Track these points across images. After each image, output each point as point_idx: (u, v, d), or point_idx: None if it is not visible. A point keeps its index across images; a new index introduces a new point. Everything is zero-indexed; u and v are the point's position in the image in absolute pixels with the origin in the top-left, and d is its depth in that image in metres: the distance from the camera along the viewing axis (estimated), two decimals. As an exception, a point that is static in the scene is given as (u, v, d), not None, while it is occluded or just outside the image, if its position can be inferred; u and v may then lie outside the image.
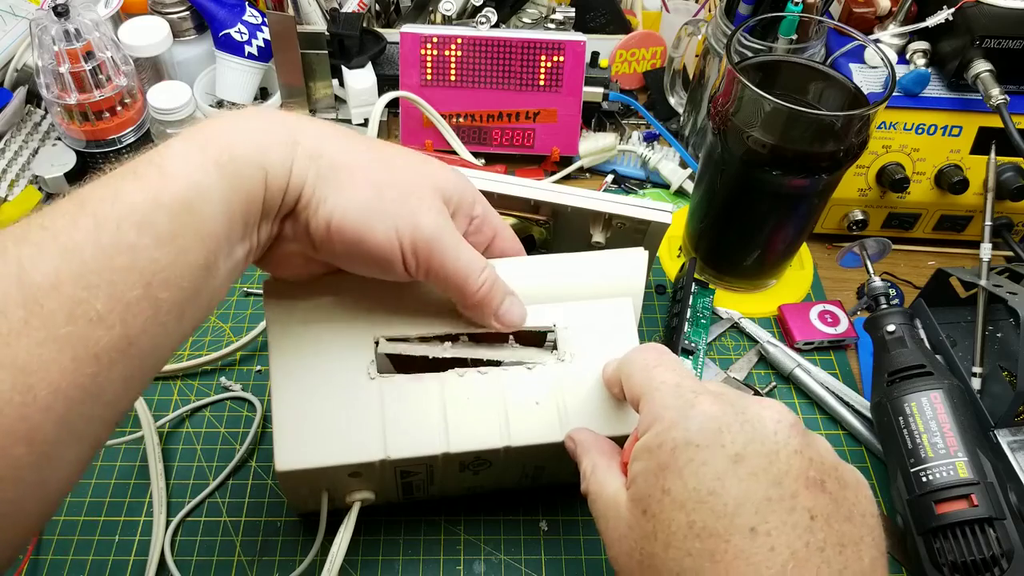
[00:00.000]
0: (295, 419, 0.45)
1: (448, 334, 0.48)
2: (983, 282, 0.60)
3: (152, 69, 0.76)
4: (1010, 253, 0.67)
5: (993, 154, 0.66)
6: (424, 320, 0.49)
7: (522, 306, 0.47)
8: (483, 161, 0.77)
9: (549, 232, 0.61)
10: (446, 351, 0.48)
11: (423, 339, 0.48)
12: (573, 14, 0.79)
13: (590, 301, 0.50)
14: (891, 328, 0.57)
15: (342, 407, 0.45)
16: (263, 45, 0.76)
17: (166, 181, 0.34)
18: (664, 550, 0.33)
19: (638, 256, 0.52)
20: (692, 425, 0.35)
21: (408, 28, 0.72)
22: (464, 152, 0.76)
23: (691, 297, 0.64)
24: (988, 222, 0.64)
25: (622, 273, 0.51)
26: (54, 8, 0.65)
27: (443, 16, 0.78)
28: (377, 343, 0.47)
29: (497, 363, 0.48)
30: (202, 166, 0.35)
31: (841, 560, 0.32)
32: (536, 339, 0.50)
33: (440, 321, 0.48)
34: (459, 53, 0.72)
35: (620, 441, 0.48)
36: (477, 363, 0.48)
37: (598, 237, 0.58)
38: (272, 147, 0.38)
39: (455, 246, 0.42)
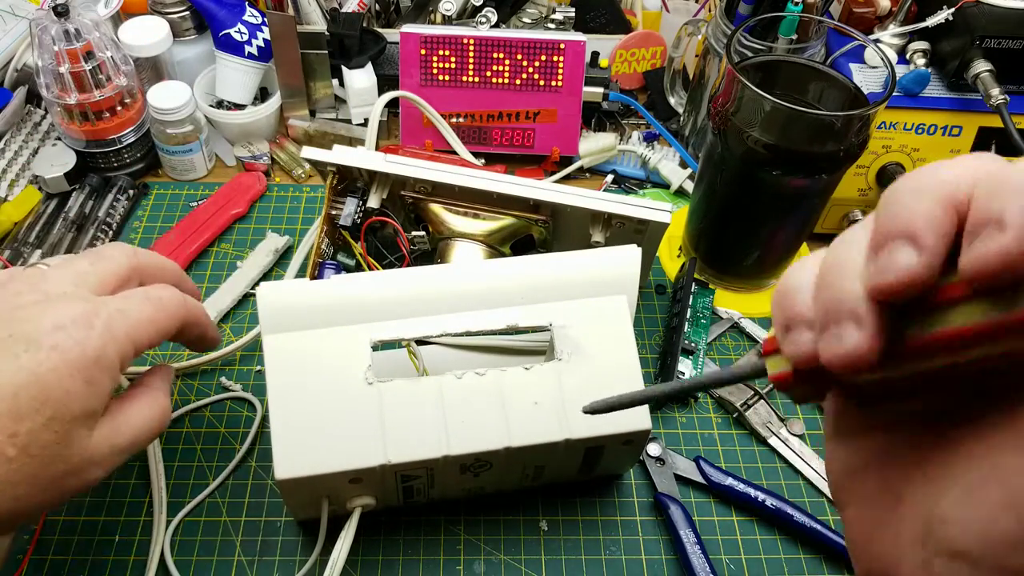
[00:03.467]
0: (294, 426, 0.45)
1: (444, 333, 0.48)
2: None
3: (152, 69, 0.76)
4: (1010, 253, 0.67)
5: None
6: (421, 322, 0.49)
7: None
8: (483, 161, 0.77)
9: (549, 232, 0.61)
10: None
11: (420, 341, 0.48)
12: (573, 14, 0.79)
13: (585, 299, 0.50)
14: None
15: (340, 413, 0.45)
16: (263, 45, 0.76)
17: None
18: None
19: (631, 253, 0.52)
20: None
21: (408, 28, 0.72)
22: (464, 152, 0.76)
23: (691, 297, 0.64)
24: (988, 222, 0.64)
25: (616, 270, 0.51)
26: (54, 8, 0.65)
27: (443, 16, 0.78)
28: (375, 347, 0.47)
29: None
30: None
31: None
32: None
33: (438, 322, 0.49)
34: (459, 53, 0.72)
35: (619, 440, 0.48)
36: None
37: (597, 237, 0.58)
38: None
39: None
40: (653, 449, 0.57)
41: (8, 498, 0.36)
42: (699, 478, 0.56)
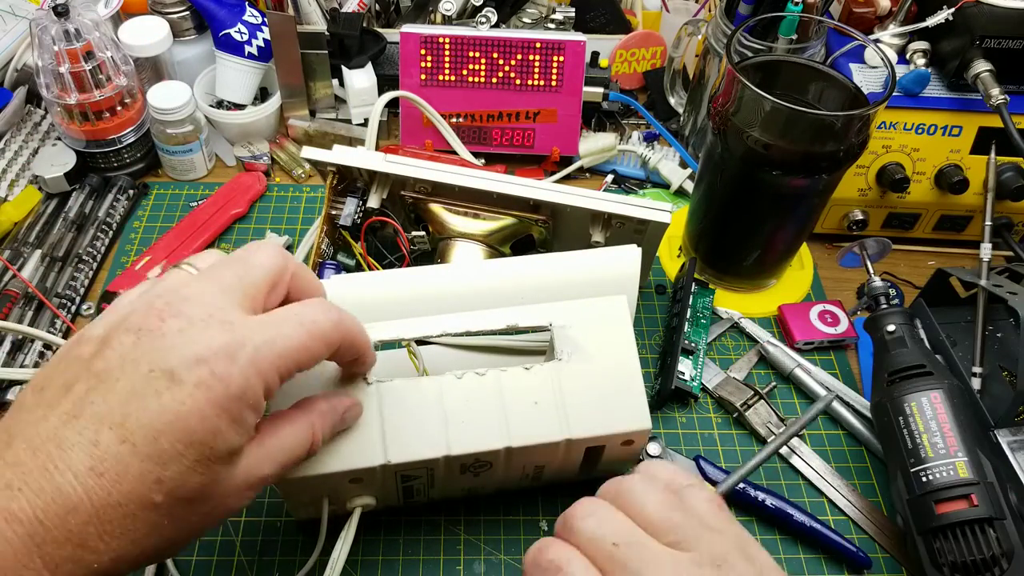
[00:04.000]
0: None
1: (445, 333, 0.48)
2: (983, 282, 0.60)
3: (152, 69, 0.76)
4: (1010, 253, 0.67)
5: (993, 154, 0.66)
6: (421, 322, 0.49)
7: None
8: (483, 161, 0.77)
9: (549, 232, 0.61)
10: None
11: (420, 341, 0.48)
12: (573, 14, 0.79)
13: (585, 299, 0.50)
14: (891, 328, 0.57)
15: None
16: (263, 45, 0.76)
17: None
18: None
19: (631, 253, 0.52)
20: None
21: (408, 28, 0.72)
22: (464, 152, 0.76)
23: (691, 297, 0.64)
24: (988, 222, 0.64)
25: (616, 270, 0.51)
26: (54, 8, 0.65)
27: (443, 16, 0.78)
28: (375, 347, 0.47)
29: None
30: None
31: None
32: None
33: (438, 322, 0.49)
34: (459, 53, 0.72)
35: (619, 439, 0.48)
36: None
37: (597, 237, 0.58)
38: None
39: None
40: (653, 448, 0.57)
41: (153, 542, 0.34)
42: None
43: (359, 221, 0.60)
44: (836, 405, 0.60)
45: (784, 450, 0.58)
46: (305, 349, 0.37)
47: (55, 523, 0.31)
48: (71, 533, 0.31)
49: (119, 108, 0.71)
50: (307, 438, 0.40)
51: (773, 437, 0.57)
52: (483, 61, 0.72)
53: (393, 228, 0.61)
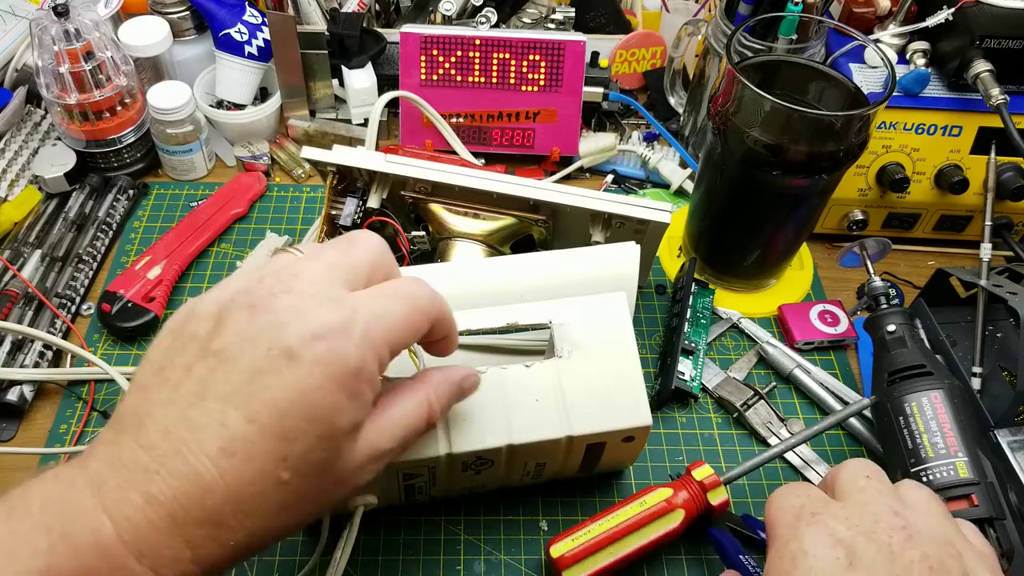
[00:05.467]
0: None
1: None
2: (983, 282, 0.60)
3: (152, 69, 0.76)
4: (1010, 253, 0.67)
5: (993, 154, 0.66)
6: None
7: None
8: (483, 161, 0.77)
9: (549, 232, 0.61)
10: None
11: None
12: (573, 14, 0.79)
13: (584, 296, 0.50)
14: (891, 328, 0.57)
15: None
16: (263, 45, 0.76)
17: None
18: None
19: (630, 250, 0.52)
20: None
21: (408, 28, 0.72)
22: (464, 152, 0.76)
23: (691, 297, 0.64)
24: (988, 222, 0.64)
25: (615, 268, 0.51)
26: (54, 8, 0.65)
27: (443, 16, 0.78)
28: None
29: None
30: None
31: None
32: None
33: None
34: (459, 53, 0.72)
35: (619, 436, 0.48)
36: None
37: (598, 237, 0.58)
38: None
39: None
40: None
41: (283, 519, 0.34)
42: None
43: (359, 221, 0.60)
44: (836, 405, 0.60)
45: (784, 450, 0.59)
46: (411, 323, 0.37)
47: (193, 504, 0.32)
48: (208, 513, 0.32)
49: (119, 108, 0.71)
50: (424, 410, 0.40)
51: (788, 437, 0.56)
52: (483, 61, 0.72)
53: (393, 228, 0.61)
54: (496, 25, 0.73)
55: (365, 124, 0.76)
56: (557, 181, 0.76)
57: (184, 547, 0.32)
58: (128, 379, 0.58)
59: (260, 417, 0.32)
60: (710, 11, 0.81)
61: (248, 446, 0.32)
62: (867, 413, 0.59)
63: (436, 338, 0.41)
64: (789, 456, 0.58)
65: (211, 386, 0.33)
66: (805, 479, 0.57)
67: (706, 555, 0.53)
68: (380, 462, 0.37)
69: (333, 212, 0.61)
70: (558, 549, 0.48)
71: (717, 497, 0.51)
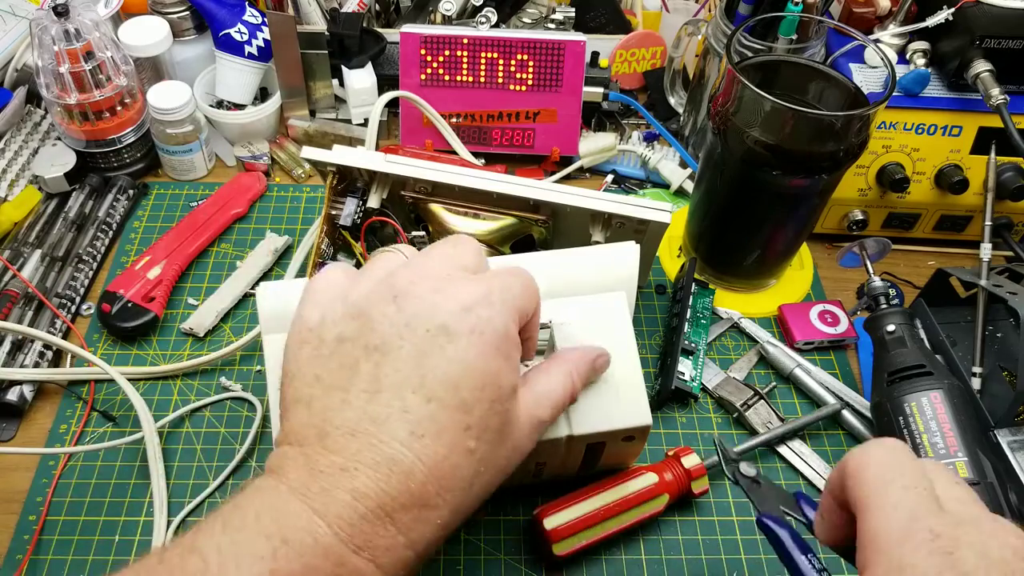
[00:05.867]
0: None
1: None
2: (983, 282, 0.60)
3: (152, 69, 0.76)
4: (1010, 253, 0.67)
5: (993, 154, 0.66)
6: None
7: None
8: (483, 161, 0.77)
9: (549, 232, 0.61)
10: None
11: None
12: (573, 14, 0.79)
13: (584, 296, 0.50)
14: (891, 328, 0.57)
15: None
16: (263, 45, 0.76)
17: None
18: None
19: (629, 249, 0.52)
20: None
21: (408, 28, 0.72)
22: (464, 152, 0.76)
23: (691, 297, 0.64)
24: (988, 222, 0.64)
25: (615, 267, 0.51)
26: (54, 8, 0.65)
27: (443, 16, 0.78)
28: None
29: None
30: None
31: None
32: None
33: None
34: (459, 53, 0.72)
35: (619, 435, 0.48)
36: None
37: (598, 237, 0.58)
38: None
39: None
40: (747, 469, 0.47)
41: (476, 489, 0.36)
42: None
43: (359, 221, 0.60)
44: (836, 405, 0.60)
45: (784, 450, 0.58)
46: (529, 297, 0.39)
47: (399, 490, 0.33)
48: (413, 496, 0.33)
49: (119, 108, 0.71)
50: (569, 383, 0.42)
51: (777, 425, 0.57)
52: (483, 61, 0.72)
53: (393, 228, 0.61)
54: (496, 25, 0.73)
55: (365, 124, 0.76)
56: (557, 181, 0.76)
57: (397, 533, 0.33)
58: (129, 380, 0.58)
59: (437, 394, 0.34)
60: (710, 11, 0.81)
61: (434, 424, 0.34)
62: (867, 413, 0.59)
63: (529, 334, 0.42)
64: (794, 461, 0.58)
65: (382, 379, 0.35)
66: (800, 474, 0.57)
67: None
68: (538, 431, 0.40)
69: (333, 212, 0.61)
70: (552, 522, 0.50)
71: (699, 486, 0.54)
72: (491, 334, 0.36)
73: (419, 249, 0.61)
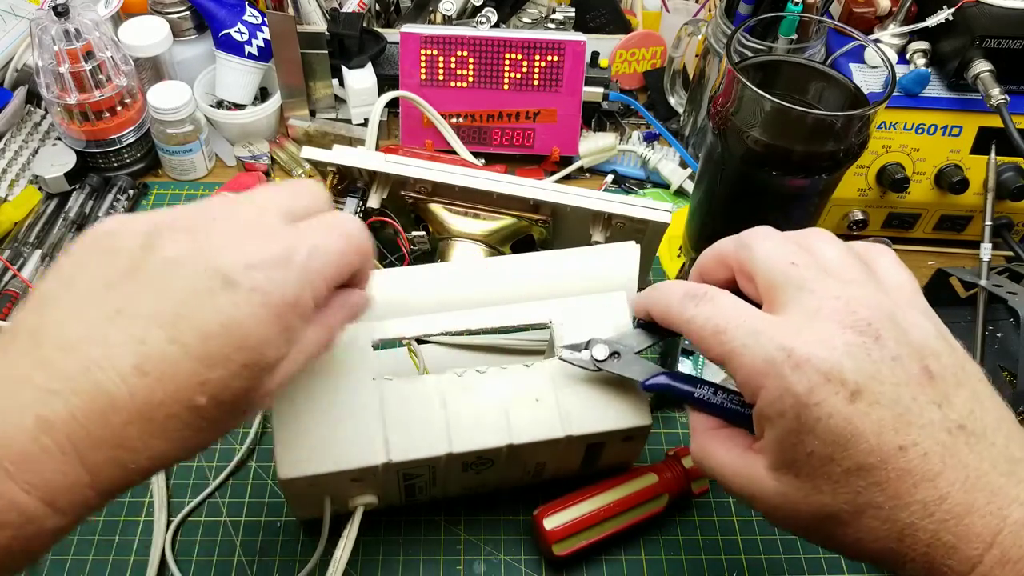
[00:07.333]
0: (295, 426, 0.45)
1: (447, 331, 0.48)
2: (983, 282, 0.60)
3: (152, 69, 0.76)
4: (1010, 253, 0.67)
5: (993, 154, 0.66)
6: (421, 321, 0.49)
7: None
8: (483, 161, 0.77)
9: (549, 232, 0.61)
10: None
11: (421, 340, 0.48)
12: (573, 14, 0.79)
13: (584, 296, 0.50)
14: (891, 328, 0.57)
15: (342, 412, 0.45)
16: (263, 45, 0.76)
17: None
18: (832, 497, 0.34)
19: (630, 249, 0.52)
20: (800, 388, 0.34)
21: (408, 28, 0.72)
22: (464, 152, 0.76)
23: (691, 297, 0.64)
24: (988, 222, 0.64)
25: (615, 267, 0.51)
26: (54, 8, 0.65)
27: (443, 16, 0.78)
28: (375, 346, 0.47)
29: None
30: None
31: (981, 426, 0.33)
32: None
33: (438, 321, 0.49)
34: (459, 53, 0.72)
35: (619, 435, 0.48)
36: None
37: (598, 237, 0.58)
38: None
39: None
40: (599, 351, 0.45)
41: (187, 444, 0.33)
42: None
43: (359, 221, 0.60)
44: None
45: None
46: (346, 257, 0.36)
47: (95, 424, 0.30)
48: (111, 434, 0.30)
49: (119, 108, 0.71)
50: (330, 330, 0.38)
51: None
52: (483, 61, 0.72)
53: (393, 228, 0.61)
54: (496, 25, 0.73)
55: (365, 124, 0.76)
56: (557, 181, 0.76)
57: (83, 472, 0.30)
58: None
59: (184, 338, 0.31)
60: (710, 11, 0.81)
61: (166, 366, 0.31)
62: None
63: (362, 279, 0.40)
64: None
65: (134, 302, 0.32)
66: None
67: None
68: (284, 388, 0.36)
69: (333, 212, 0.60)
70: (552, 522, 0.50)
71: (699, 486, 0.54)
72: (276, 298, 0.33)
73: (418, 249, 0.62)
